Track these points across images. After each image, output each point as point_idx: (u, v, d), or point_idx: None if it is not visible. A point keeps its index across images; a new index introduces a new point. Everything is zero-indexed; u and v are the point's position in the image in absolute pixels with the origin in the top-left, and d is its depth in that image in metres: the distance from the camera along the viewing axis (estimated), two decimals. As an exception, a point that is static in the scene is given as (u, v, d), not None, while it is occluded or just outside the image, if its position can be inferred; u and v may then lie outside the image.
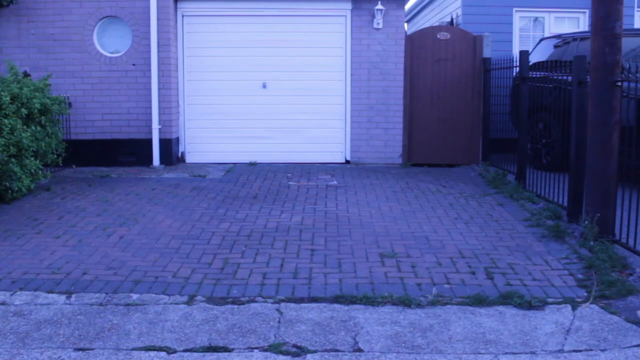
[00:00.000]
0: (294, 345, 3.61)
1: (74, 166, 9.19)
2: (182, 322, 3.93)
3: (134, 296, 4.35)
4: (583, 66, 5.87)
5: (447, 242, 5.59)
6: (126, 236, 5.73)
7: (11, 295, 4.35)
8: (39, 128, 7.28)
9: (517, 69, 8.03)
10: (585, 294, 4.37)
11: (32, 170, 7.13)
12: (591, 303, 4.20)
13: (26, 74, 8.27)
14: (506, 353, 3.53)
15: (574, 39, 8.85)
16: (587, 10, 10.83)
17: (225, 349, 3.57)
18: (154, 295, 4.38)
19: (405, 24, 12.56)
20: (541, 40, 9.93)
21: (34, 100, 7.13)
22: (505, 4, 11.04)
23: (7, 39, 9.28)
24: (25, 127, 6.94)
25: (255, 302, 4.27)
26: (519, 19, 11.28)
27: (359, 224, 6.19)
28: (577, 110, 5.88)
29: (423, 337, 3.72)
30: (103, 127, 9.37)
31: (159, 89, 9.27)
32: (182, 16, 9.65)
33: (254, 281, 4.65)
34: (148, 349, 3.56)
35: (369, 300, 4.23)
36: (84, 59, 9.31)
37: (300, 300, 4.30)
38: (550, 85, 7.47)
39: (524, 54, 7.77)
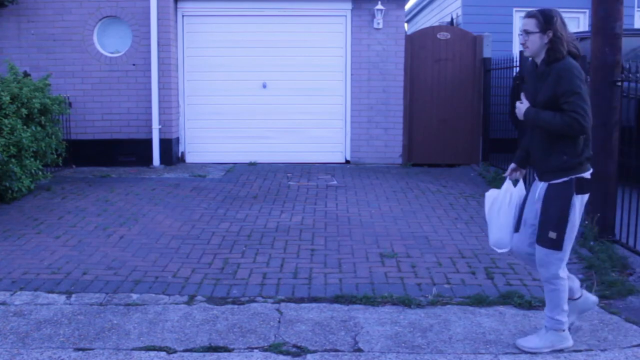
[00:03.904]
0: (294, 345, 3.61)
1: (74, 166, 9.19)
2: (182, 322, 3.93)
3: (134, 296, 4.35)
4: (583, 66, 5.85)
5: (447, 242, 5.59)
6: (126, 236, 5.73)
7: (11, 295, 4.35)
8: (39, 128, 7.28)
9: (517, 69, 8.03)
10: (585, 294, 4.37)
11: (32, 171, 7.13)
12: (591, 303, 4.20)
13: (26, 74, 8.27)
14: (506, 353, 3.53)
15: (574, 39, 8.83)
16: (587, 10, 10.82)
17: (225, 349, 3.57)
18: (154, 295, 4.38)
19: (405, 24, 12.56)
20: (541, 40, 9.91)
21: (34, 100, 7.13)
22: (505, 4, 11.03)
23: (7, 39, 9.28)
24: (25, 127, 6.94)
25: (255, 302, 4.27)
26: (519, 19, 11.27)
27: (359, 224, 6.19)
28: (577, 110, 5.86)
29: (423, 337, 3.72)
30: (103, 127, 9.37)
31: (159, 89, 9.27)
32: (182, 16, 9.65)
33: (254, 281, 4.65)
34: (148, 349, 3.56)
35: (369, 300, 4.23)
36: (84, 59, 9.31)
37: (300, 300, 4.30)
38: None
39: (524, 54, 7.76)
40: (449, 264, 5.00)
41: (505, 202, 3.65)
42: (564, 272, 3.47)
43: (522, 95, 3.59)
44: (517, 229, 3.62)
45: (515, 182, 3.72)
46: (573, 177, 3.38)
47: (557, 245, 3.39)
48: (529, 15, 3.48)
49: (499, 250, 3.70)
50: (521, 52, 7.82)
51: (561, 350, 3.53)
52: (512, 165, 3.79)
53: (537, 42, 3.43)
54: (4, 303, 4.21)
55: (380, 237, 5.74)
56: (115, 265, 4.97)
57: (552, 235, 3.38)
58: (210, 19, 9.70)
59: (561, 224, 3.37)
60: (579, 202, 3.42)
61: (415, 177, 8.68)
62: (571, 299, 3.63)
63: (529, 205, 3.58)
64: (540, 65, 3.49)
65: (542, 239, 3.43)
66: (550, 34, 3.38)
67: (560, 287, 3.46)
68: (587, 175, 3.43)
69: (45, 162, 7.70)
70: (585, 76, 3.40)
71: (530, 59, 3.62)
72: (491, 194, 3.73)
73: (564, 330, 3.53)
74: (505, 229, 3.64)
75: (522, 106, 3.52)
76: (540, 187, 3.48)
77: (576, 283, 3.66)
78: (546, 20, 3.40)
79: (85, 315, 4.02)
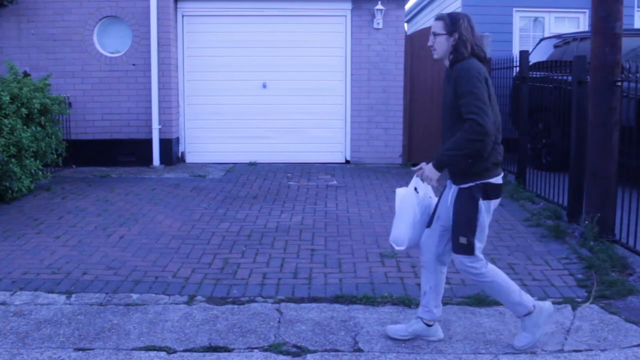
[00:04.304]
0: (294, 345, 3.61)
1: (74, 166, 9.19)
2: (182, 322, 3.93)
3: (134, 296, 4.35)
4: (583, 66, 5.87)
5: (447, 242, 5.58)
6: (126, 236, 5.73)
7: (11, 295, 4.35)
8: (39, 128, 7.28)
9: (517, 69, 8.03)
10: (585, 294, 4.37)
11: (32, 171, 7.13)
12: (591, 303, 4.20)
13: (26, 74, 8.27)
14: (506, 353, 3.53)
15: (574, 39, 8.85)
16: (587, 10, 10.83)
17: (225, 349, 3.57)
18: (154, 295, 4.38)
19: (405, 24, 12.57)
20: (541, 40, 9.93)
21: (34, 100, 7.13)
22: (505, 4, 11.04)
23: (7, 39, 9.28)
24: (25, 127, 6.94)
25: (255, 302, 4.27)
26: (519, 19, 11.29)
27: (359, 224, 6.19)
28: (577, 110, 5.88)
29: (423, 337, 3.71)
30: (103, 127, 9.38)
31: (159, 89, 9.27)
32: (182, 16, 9.65)
33: (254, 281, 4.65)
34: (148, 349, 3.56)
35: (369, 300, 4.23)
36: (84, 59, 9.32)
37: (300, 300, 4.30)
38: (550, 85, 7.47)
39: (524, 54, 7.77)
40: (449, 264, 4.98)
41: (409, 201, 3.59)
42: (485, 267, 3.44)
43: (421, 165, 3.51)
44: (430, 224, 3.60)
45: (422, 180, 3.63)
46: (479, 182, 3.35)
47: (468, 250, 3.38)
48: (437, 17, 3.47)
49: (396, 247, 3.65)
50: (521, 52, 7.83)
51: (561, 350, 3.53)
52: (424, 163, 3.71)
53: (444, 44, 3.40)
54: (4, 303, 4.21)
55: (380, 237, 5.74)
56: (115, 265, 4.97)
57: (463, 240, 3.38)
58: (210, 19, 9.70)
59: (470, 230, 3.36)
60: (487, 207, 3.39)
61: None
62: (428, 324, 3.64)
63: (442, 203, 3.56)
64: (447, 69, 3.46)
65: (455, 246, 3.43)
66: (456, 36, 3.37)
67: (493, 277, 3.44)
68: (494, 180, 3.38)
69: (45, 162, 7.70)
70: (486, 77, 3.32)
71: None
72: (400, 191, 3.68)
73: (534, 307, 3.49)
74: (404, 227, 3.58)
75: (425, 167, 3.42)
76: (452, 191, 3.46)
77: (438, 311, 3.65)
78: (452, 22, 3.38)
79: (85, 315, 4.02)
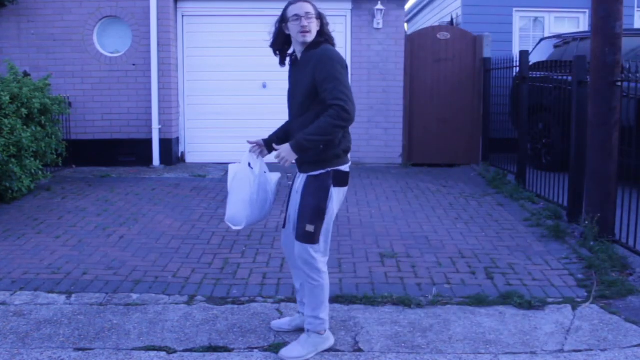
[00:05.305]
0: (294, 345, 3.61)
1: (74, 166, 9.19)
2: (182, 322, 3.93)
3: (134, 296, 4.35)
4: (583, 66, 5.87)
5: (447, 242, 5.59)
6: (126, 236, 5.73)
7: (11, 295, 4.35)
8: (39, 128, 7.28)
9: (517, 69, 8.03)
10: (585, 294, 4.37)
11: (32, 171, 7.13)
12: (591, 303, 4.20)
13: (26, 74, 8.27)
14: (506, 353, 3.53)
15: (574, 39, 8.85)
16: (587, 10, 10.83)
17: (225, 349, 3.57)
18: (154, 295, 4.38)
19: (405, 24, 12.57)
20: (541, 40, 9.93)
21: (34, 100, 7.13)
22: (505, 4, 11.03)
23: (7, 39, 9.28)
24: (25, 127, 6.94)
25: (255, 302, 4.27)
26: (519, 19, 11.28)
27: (359, 224, 6.19)
28: (577, 110, 5.88)
29: (423, 337, 3.72)
30: (103, 127, 9.38)
31: (159, 89, 9.27)
32: (182, 16, 9.65)
33: (254, 281, 4.65)
34: (148, 349, 3.56)
35: (369, 300, 4.23)
36: (84, 59, 9.32)
37: (300, 300, 4.29)
38: (550, 85, 7.47)
39: (524, 54, 7.77)
40: (449, 264, 5.00)
41: (244, 178, 3.48)
42: (325, 267, 3.40)
43: (274, 145, 3.39)
44: (284, 224, 3.60)
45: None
46: (330, 169, 3.30)
47: (313, 238, 3.31)
48: (304, 0, 3.33)
49: (233, 227, 3.49)
50: (521, 52, 7.83)
51: (561, 350, 3.53)
52: (260, 140, 3.60)
53: (315, 27, 3.33)
54: (4, 303, 4.21)
55: (380, 237, 5.74)
56: (115, 265, 4.97)
57: (310, 228, 3.29)
58: (210, 19, 9.70)
59: (319, 217, 3.30)
60: (337, 194, 3.35)
61: (415, 177, 8.68)
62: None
63: (292, 203, 3.51)
64: (301, 55, 3.37)
65: (299, 234, 3.32)
66: (320, 21, 3.34)
67: (323, 281, 3.38)
68: (344, 168, 3.34)
69: (45, 162, 7.70)
70: (345, 64, 3.25)
71: (291, 55, 3.48)
72: (233, 168, 3.57)
73: (325, 331, 3.47)
74: (241, 206, 3.46)
75: (282, 148, 3.23)
76: (300, 180, 3.42)
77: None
78: (315, 7, 3.34)
79: (85, 315, 4.02)
